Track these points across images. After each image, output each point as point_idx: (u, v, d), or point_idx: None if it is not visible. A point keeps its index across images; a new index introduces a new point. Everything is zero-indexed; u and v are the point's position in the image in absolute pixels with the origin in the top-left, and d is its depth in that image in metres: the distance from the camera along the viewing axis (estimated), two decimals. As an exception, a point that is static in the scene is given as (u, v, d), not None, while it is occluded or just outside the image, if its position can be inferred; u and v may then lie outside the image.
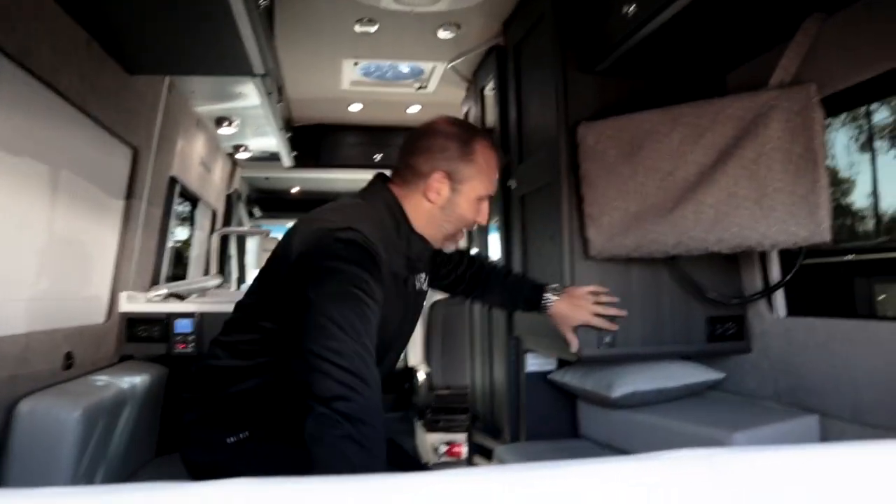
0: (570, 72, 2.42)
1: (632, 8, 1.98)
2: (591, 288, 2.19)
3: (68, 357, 2.14)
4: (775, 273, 2.33)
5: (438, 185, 1.71)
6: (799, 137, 1.92)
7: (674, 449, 0.58)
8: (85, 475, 1.88)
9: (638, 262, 2.35)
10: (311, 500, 0.45)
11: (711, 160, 2.06)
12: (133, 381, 2.23)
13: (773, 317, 2.34)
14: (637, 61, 2.32)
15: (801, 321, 2.21)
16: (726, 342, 2.43)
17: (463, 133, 1.76)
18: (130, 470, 2.35)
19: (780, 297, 2.33)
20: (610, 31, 2.18)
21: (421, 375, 5.18)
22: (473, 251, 3.73)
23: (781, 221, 1.94)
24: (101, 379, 2.21)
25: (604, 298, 2.21)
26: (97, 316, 2.48)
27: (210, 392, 1.71)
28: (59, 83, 1.88)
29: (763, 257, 2.36)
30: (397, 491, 0.47)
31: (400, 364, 6.39)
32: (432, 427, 4.65)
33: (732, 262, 2.43)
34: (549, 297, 2.13)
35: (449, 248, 1.85)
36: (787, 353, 2.26)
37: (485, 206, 1.78)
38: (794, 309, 2.32)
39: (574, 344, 2.18)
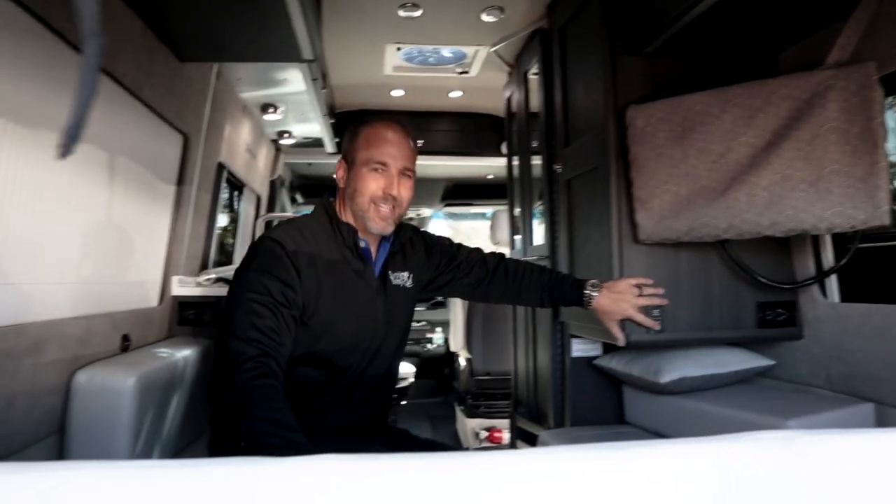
0: (618, 54, 2.38)
1: (683, -13, 1.95)
2: (634, 280, 2.16)
3: (125, 339, 2.20)
4: (829, 257, 2.28)
5: (340, 171, 1.96)
6: (857, 117, 1.87)
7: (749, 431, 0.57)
8: (144, 442, 1.93)
9: (687, 246, 2.31)
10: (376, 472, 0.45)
11: (765, 142, 2.02)
12: (184, 353, 2.28)
13: (826, 302, 2.29)
14: (687, 42, 2.28)
15: (856, 307, 2.16)
16: (777, 328, 2.38)
17: (355, 125, 1.97)
18: (189, 439, 2.42)
19: (833, 283, 2.28)
20: (660, 11, 2.14)
21: (462, 361, 5.20)
22: (503, 250, 3.72)
23: (838, 204, 1.89)
24: (153, 351, 2.26)
25: (648, 290, 2.18)
26: (151, 299, 2.53)
27: None
28: (116, 70, 1.92)
29: (816, 241, 2.31)
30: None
31: (440, 349, 6.46)
32: (473, 413, 4.67)
33: (784, 246, 2.38)
34: (590, 294, 2.12)
35: (377, 226, 1.89)
36: (841, 340, 2.21)
37: (387, 175, 1.87)
38: (848, 295, 2.27)
39: (620, 338, 2.16)
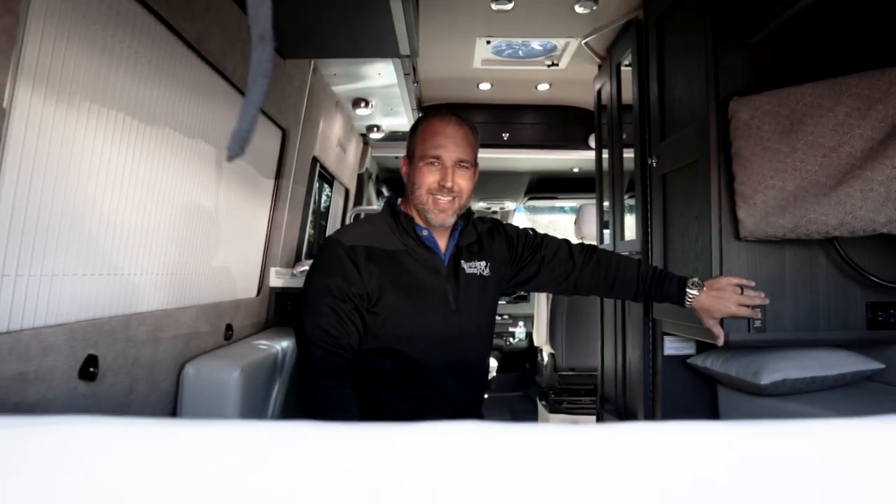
0: (721, 44, 2.31)
1: (796, -26, 1.87)
2: (736, 280, 2.07)
3: (228, 328, 2.29)
4: (949, 257, 2.16)
5: (404, 167, 2.03)
6: None
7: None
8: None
9: (792, 243, 2.23)
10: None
11: (883, 134, 1.92)
12: (283, 344, 2.36)
13: (944, 304, 2.17)
14: (795, 31, 2.19)
15: None
16: (889, 330, 2.27)
17: (416, 121, 2.04)
18: None
19: (953, 283, 2.16)
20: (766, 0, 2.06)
21: (545, 356, 5.17)
22: (587, 242, 3.67)
23: (963, 201, 1.79)
24: (254, 343, 2.34)
25: (750, 293, 2.06)
26: (251, 290, 2.62)
27: None
28: (226, 68, 1.99)
29: (935, 240, 2.19)
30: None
31: (523, 344, 6.44)
32: (555, 408, 4.64)
33: (896, 243, 2.27)
34: (692, 293, 2.06)
35: (437, 218, 1.93)
36: None
37: (441, 168, 1.91)
38: (969, 296, 2.14)
39: (721, 337, 2.09)
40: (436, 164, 1.92)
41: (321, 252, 1.94)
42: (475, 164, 2.00)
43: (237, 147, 0.54)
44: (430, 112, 2.03)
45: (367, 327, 1.88)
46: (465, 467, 0.42)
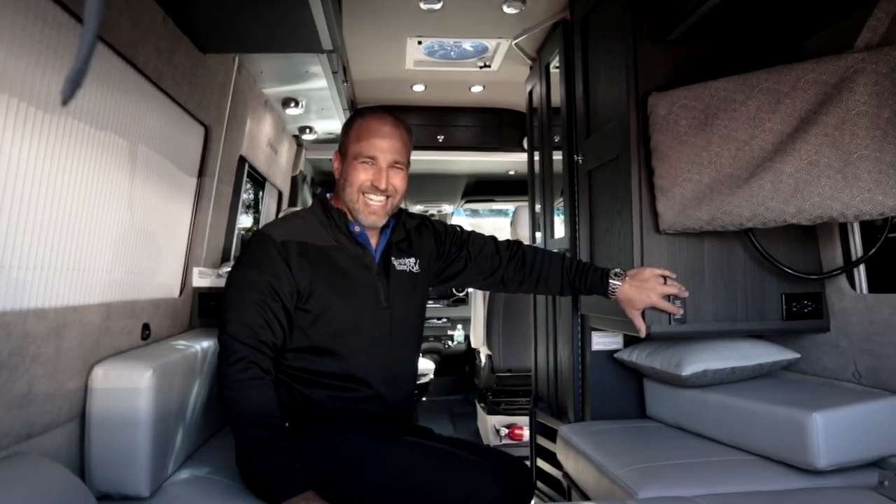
0: (641, 42, 2.36)
1: (707, -29, 1.92)
2: (659, 270, 2.11)
3: (146, 328, 2.21)
4: (857, 247, 2.23)
5: (335, 162, 2.00)
6: (887, 101, 1.83)
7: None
8: (166, 432, 1.94)
9: (710, 236, 2.28)
10: None
11: (791, 128, 1.98)
12: (204, 345, 2.29)
13: (854, 293, 2.24)
14: (710, 29, 2.24)
15: (886, 298, 2.11)
16: (804, 320, 2.34)
17: (350, 117, 2.02)
18: (214, 428, 2.44)
19: (862, 273, 2.23)
20: (682, -3, 2.11)
21: (482, 358, 5.18)
22: (526, 238, 3.70)
23: (867, 191, 1.85)
24: (172, 343, 2.26)
25: (672, 282, 2.12)
26: (172, 290, 2.54)
27: None
28: (137, 59, 1.92)
29: (844, 230, 2.27)
30: None
31: (461, 347, 6.45)
32: (493, 410, 4.65)
33: (810, 235, 2.34)
34: (615, 283, 2.08)
35: (367, 220, 1.92)
36: (870, 332, 2.16)
37: (375, 168, 1.90)
38: (877, 285, 2.22)
39: (642, 328, 2.12)
40: (370, 163, 1.90)
41: (249, 246, 1.89)
42: (408, 164, 1.99)
43: (69, 91, 0.52)
44: (366, 110, 2.00)
45: (295, 325, 1.84)
46: None
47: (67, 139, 1.66)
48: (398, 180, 1.93)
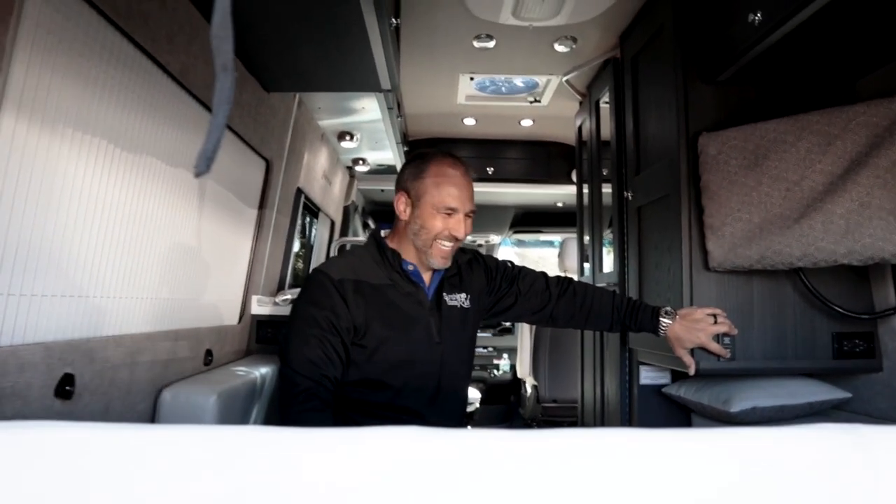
0: (691, 82, 2.40)
1: (758, 16, 1.96)
2: (709, 310, 2.09)
3: (208, 354, 2.31)
4: (911, 288, 2.22)
5: (401, 204, 2.01)
6: (939, 145, 1.84)
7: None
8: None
9: (760, 274, 2.29)
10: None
11: (842, 169, 2.00)
12: (262, 371, 2.38)
13: (908, 334, 2.23)
14: (760, 70, 2.28)
15: None
16: (855, 359, 2.32)
17: (417, 158, 2.04)
18: None
19: (915, 314, 2.22)
20: (733, 40, 2.15)
21: (528, 388, 5.19)
22: (572, 277, 3.73)
23: (919, 233, 1.86)
24: (233, 369, 2.37)
25: (721, 320, 2.10)
26: (232, 317, 2.66)
27: None
28: (210, 100, 2.05)
29: (895, 270, 2.26)
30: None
31: (507, 376, 6.46)
32: (539, 440, 4.63)
33: (862, 276, 2.33)
34: (665, 322, 2.09)
35: (438, 263, 1.99)
36: None
37: (455, 219, 1.96)
38: (931, 327, 2.20)
39: (692, 366, 2.13)
40: (452, 214, 1.96)
41: (309, 283, 1.96)
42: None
43: (203, 166, 0.60)
44: (436, 155, 2.04)
45: (351, 360, 1.91)
46: (407, 470, 0.47)
47: (145, 177, 1.79)
48: (469, 227, 2.01)
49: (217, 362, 2.41)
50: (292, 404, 1.80)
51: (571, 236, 4.24)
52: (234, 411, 2.08)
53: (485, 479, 0.47)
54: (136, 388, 1.81)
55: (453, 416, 2.08)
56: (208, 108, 2.07)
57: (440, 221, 1.95)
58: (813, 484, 0.49)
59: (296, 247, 5.14)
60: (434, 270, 2.07)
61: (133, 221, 1.77)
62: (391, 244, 2.05)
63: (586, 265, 3.74)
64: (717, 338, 2.12)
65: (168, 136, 1.89)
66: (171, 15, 1.73)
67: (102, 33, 1.51)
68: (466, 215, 1.99)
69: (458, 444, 0.52)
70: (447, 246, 1.97)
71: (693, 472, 0.48)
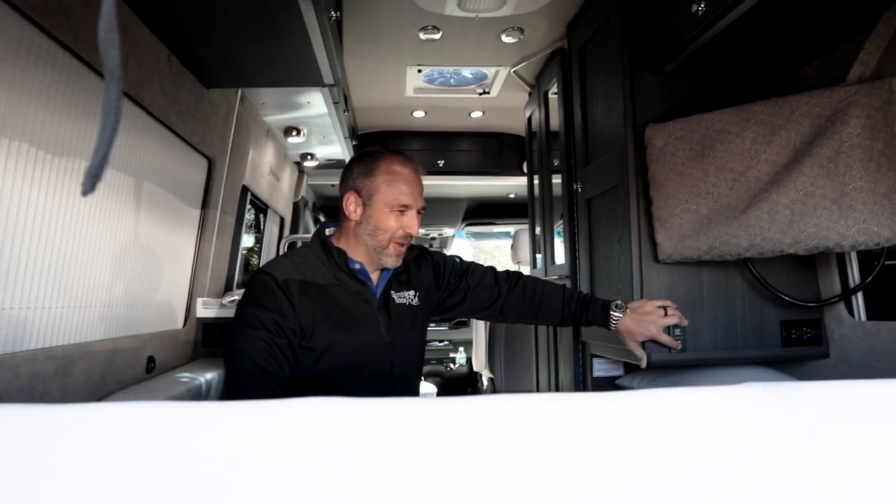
0: (637, 72, 2.39)
1: (701, 6, 1.95)
2: (659, 302, 2.11)
3: (151, 361, 2.23)
4: (855, 275, 2.25)
5: (351, 204, 1.95)
6: (880, 133, 1.85)
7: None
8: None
9: (709, 264, 2.30)
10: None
11: (786, 159, 2.01)
12: (207, 377, 2.30)
13: (853, 320, 2.25)
14: (705, 60, 2.28)
15: (885, 325, 2.13)
16: (803, 347, 2.35)
17: (366, 157, 1.98)
18: None
19: (860, 301, 2.25)
20: (678, 30, 2.14)
21: (484, 381, 5.18)
22: (524, 269, 3.72)
23: (862, 221, 1.87)
24: (177, 376, 2.28)
25: (671, 312, 2.11)
26: (175, 322, 2.56)
27: None
28: (143, 97, 1.96)
29: (841, 259, 2.28)
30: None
31: (463, 369, 6.44)
32: (496, 433, 4.63)
33: (808, 264, 2.36)
34: (616, 315, 2.10)
35: (392, 262, 1.96)
36: (869, 359, 2.17)
37: (408, 216, 1.93)
38: (875, 313, 2.23)
39: (643, 359, 2.13)
40: (403, 211, 1.93)
41: (252, 285, 1.89)
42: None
43: (90, 184, 0.54)
44: (386, 153, 1.98)
45: (299, 362, 1.85)
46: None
47: (74, 180, 1.69)
48: (419, 225, 1.98)
49: (161, 369, 2.32)
50: None
51: (524, 227, 4.23)
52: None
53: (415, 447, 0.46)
54: (71, 401, 1.72)
55: None
56: (141, 105, 1.98)
57: (394, 220, 1.91)
58: (739, 438, 0.49)
59: (250, 242, 5.05)
60: (382, 269, 2.02)
61: (62, 228, 1.67)
62: (337, 243, 1.99)
63: (538, 256, 3.73)
64: (668, 329, 2.12)
65: (95, 138, 1.79)
66: (97, 9, 1.64)
67: (18, 29, 1.41)
68: (418, 212, 1.95)
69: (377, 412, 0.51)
70: (402, 244, 1.94)
71: (620, 434, 0.49)
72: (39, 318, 1.61)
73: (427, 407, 0.50)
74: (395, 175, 1.92)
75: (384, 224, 1.91)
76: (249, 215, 4.53)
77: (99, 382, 1.87)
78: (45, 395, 1.58)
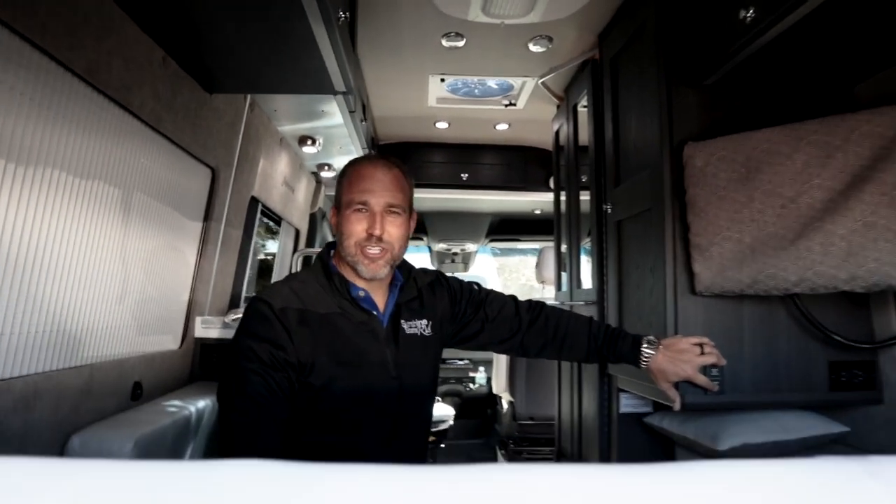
0: (675, 86, 2.19)
1: (751, 12, 1.75)
2: (695, 339, 1.90)
3: (137, 387, 2.06)
4: (916, 315, 2.03)
5: (332, 218, 1.83)
6: (954, 159, 1.64)
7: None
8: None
9: (751, 298, 2.08)
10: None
11: (843, 185, 1.79)
12: (200, 405, 2.12)
13: (912, 365, 2.03)
14: (751, 73, 2.08)
15: None
16: (853, 391, 2.12)
17: (345, 167, 1.83)
18: None
19: (920, 343, 2.02)
20: (722, 39, 1.94)
21: (504, 403, 4.99)
22: (549, 288, 3.53)
23: (930, 257, 1.65)
24: (164, 405, 2.11)
25: (708, 350, 1.89)
26: (171, 342, 2.40)
27: None
28: (131, 101, 1.80)
29: (899, 295, 2.06)
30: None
31: (483, 389, 6.24)
32: (514, 458, 4.47)
33: (860, 300, 2.13)
34: (648, 353, 1.89)
35: (368, 271, 1.73)
36: None
37: (369, 215, 1.72)
38: (937, 356, 2.01)
39: (677, 403, 1.92)
40: (363, 210, 1.72)
41: (247, 314, 1.70)
42: (408, 210, 1.81)
43: None
44: (359, 157, 1.85)
45: (296, 397, 1.67)
46: None
47: (49, 192, 1.54)
48: (394, 228, 1.74)
49: (150, 395, 2.15)
50: (232, 447, 1.55)
51: (549, 245, 4.04)
52: (159, 457, 1.83)
53: None
54: (34, 439, 1.56)
55: (414, 451, 1.85)
56: (129, 110, 1.82)
57: (356, 223, 1.71)
58: None
59: (274, 247, 4.90)
60: (389, 293, 1.83)
61: (33, 245, 1.51)
62: (338, 267, 1.80)
63: (564, 275, 3.53)
64: (705, 369, 1.92)
65: (79, 144, 1.64)
66: (72, 5, 1.48)
67: None
68: (388, 211, 1.73)
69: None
70: (374, 250, 1.72)
71: None
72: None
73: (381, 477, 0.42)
74: (354, 173, 1.75)
75: (348, 229, 1.72)
76: (272, 222, 4.40)
77: (70, 416, 1.70)
78: (1, 434, 1.42)
